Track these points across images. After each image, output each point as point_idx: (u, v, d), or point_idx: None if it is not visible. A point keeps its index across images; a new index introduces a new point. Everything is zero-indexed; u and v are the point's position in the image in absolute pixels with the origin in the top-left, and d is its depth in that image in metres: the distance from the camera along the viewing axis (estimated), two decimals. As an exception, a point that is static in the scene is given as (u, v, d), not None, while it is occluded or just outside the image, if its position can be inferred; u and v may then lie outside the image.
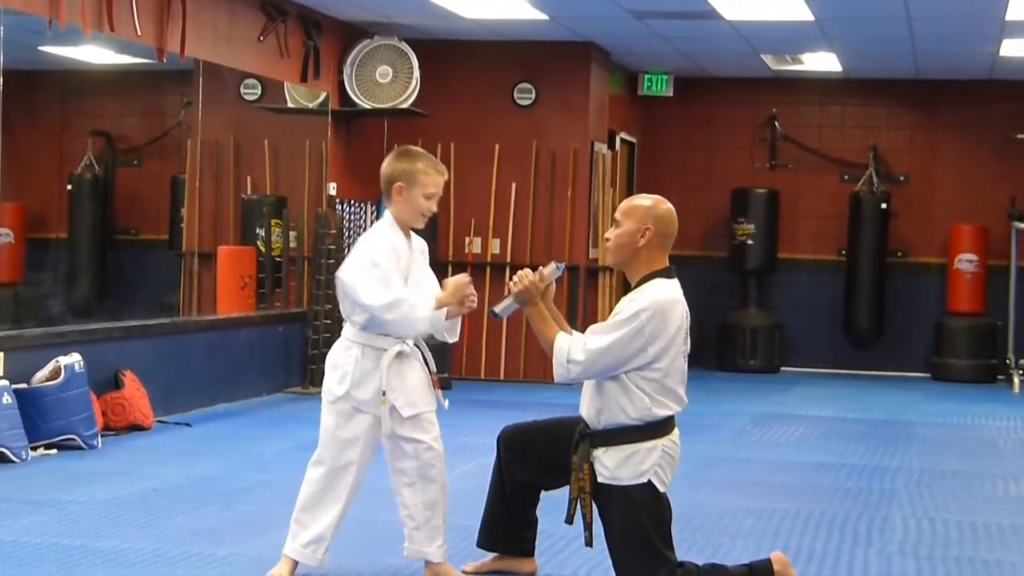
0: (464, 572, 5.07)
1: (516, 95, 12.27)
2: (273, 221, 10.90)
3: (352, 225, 11.13)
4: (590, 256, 12.25)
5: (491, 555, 5.12)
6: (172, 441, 8.23)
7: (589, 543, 4.62)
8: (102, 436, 7.93)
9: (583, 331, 4.68)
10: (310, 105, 11.30)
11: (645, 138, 14.44)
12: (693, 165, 14.46)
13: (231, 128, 10.97)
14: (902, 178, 14.03)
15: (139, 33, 8.50)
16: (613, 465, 4.51)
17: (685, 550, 5.15)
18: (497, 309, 4.75)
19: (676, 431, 4.60)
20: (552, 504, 5.03)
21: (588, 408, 4.61)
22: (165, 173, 11.20)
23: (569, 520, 4.61)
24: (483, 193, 12.21)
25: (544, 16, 10.87)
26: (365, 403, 4.84)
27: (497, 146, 12.21)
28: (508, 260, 12.10)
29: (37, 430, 7.49)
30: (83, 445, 7.66)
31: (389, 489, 5.00)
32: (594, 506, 4.57)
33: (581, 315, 11.80)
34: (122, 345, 8.69)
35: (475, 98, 12.27)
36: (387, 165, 4.93)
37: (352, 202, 11.19)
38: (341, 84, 11.46)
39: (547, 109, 12.22)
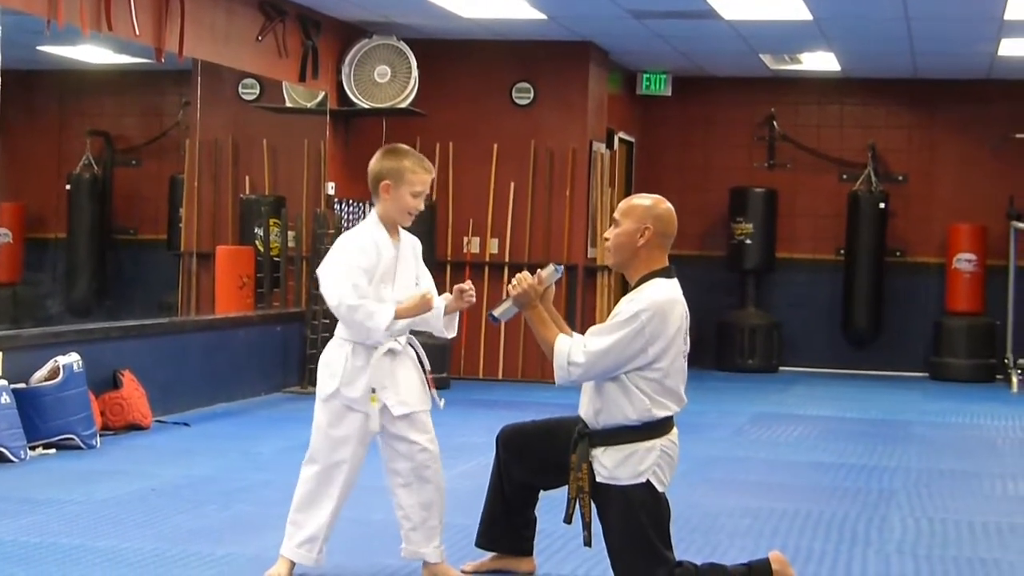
0: (463, 571, 5.07)
1: (514, 94, 12.27)
2: (272, 221, 10.90)
3: (350, 225, 11.12)
4: (588, 256, 12.25)
5: (490, 554, 5.12)
6: (170, 441, 8.23)
7: (588, 543, 4.62)
8: (101, 436, 7.93)
9: (582, 331, 4.68)
10: (308, 105, 11.31)
11: (643, 137, 14.44)
12: (691, 164, 14.46)
13: (229, 128, 10.97)
14: (901, 178, 14.03)
15: (137, 33, 8.51)
16: (612, 465, 4.51)
17: (683, 549, 5.15)
18: (496, 313, 4.75)
19: (675, 431, 4.60)
20: (551, 504, 5.03)
21: (587, 408, 4.61)
22: (164, 173, 11.20)
23: (568, 520, 4.61)
24: (481, 193, 12.21)
25: (542, 15, 10.87)
26: (355, 401, 4.83)
27: (495, 146, 12.21)
28: (506, 260, 12.10)
29: (36, 430, 7.49)
30: (82, 445, 7.66)
31: (385, 489, 5.00)
32: (593, 506, 4.57)
33: (580, 315, 11.81)
34: (120, 345, 8.69)
35: (473, 98, 12.27)
36: (374, 163, 4.93)
37: (350, 202, 11.19)
38: (339, 84, 11.46)
39: (545, 108, 12.21)
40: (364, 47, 11.46)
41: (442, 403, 5.00)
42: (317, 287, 10.39)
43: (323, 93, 11.28)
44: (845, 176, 14.08)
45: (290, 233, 10.88)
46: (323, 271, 4.86)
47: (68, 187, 11.21)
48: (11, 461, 7.17)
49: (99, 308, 11.00)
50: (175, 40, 8.92)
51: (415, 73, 11.41)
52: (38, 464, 7.26)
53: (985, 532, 6.27)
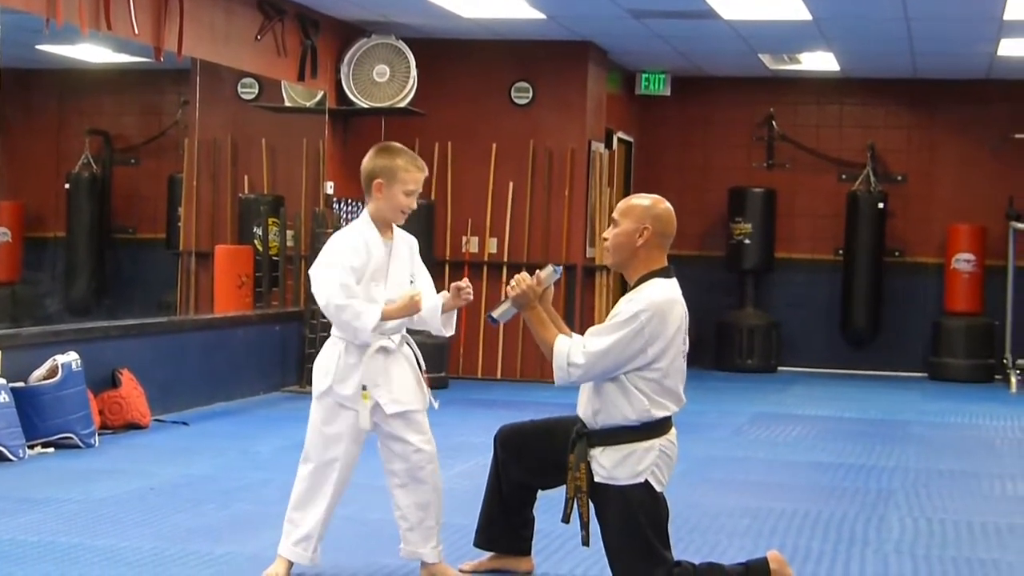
0: (461, 571, 5.07)
1: (513, 94, 12.27)
2: (270, 220, 10.90)
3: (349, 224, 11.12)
4: (587, 255, 12.25)
5: (488, 554, 5.12)
6: (169, 440, 8.23)
7: (586, 542, 4.62)
8: (99, 435, 7.93)
9: (581, 331, 4.68)
10: (307, 104, 11.30)
11: (642, 137, 14.44)
12: (690, 164, 14.46)
13: (228, 127, 10.96)
14: (900, 178, 14.03)
15: (136, 32, 8.50)
16: (610, 465, 4.51)
17: (682, 549, 5.15)
18: (495, 314, 4.74)
19: (673, 431, 4.60)
20: (549, 503, 5.03)
21: (585, 408, 4.61)
22: (163, 172, 11.20)
23: (566, 519, 4.61)
24: (480, 192, 12.21)
25: (542, 15, 10.87)
26: (347, 398, 4.84)
27: (494, 145, 12.21)
28: (505, 259, 12.10)
29: (34, 429, 7.49)
30: (80, 444, 7.66)
31: (384, 487, 5.00)
32: (591, 505, 4.57)
33: (579, 315, 11.80)
34: (119, 344, 8.69)
35: (472, 97, 12.27)
36: (367, 161, 4.93)
37: (349, 201, 11.19)
38: (338, 83, 11.46)
39: (544, 108, 12.21)
40: (363, 46, 11.46)
41: (437, 404, 5.00)
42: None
43: (322, 92, 11.28)
44: (844, 176, 14.08)
45: (289, 232, 10.88)
46: (313, 271, 4.88)
47: (67, 186, 11.20)
48: (9, 460, 7.16)
49: (98, 307, 11.00)
50: (174, 39, 8.92)
51: (414, 72, 11.41)
52: (36, 463, 7.26)
53: (984, 532, 6.27)
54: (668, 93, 13.70)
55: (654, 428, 4.52)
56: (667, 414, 4.55)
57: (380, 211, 4.90)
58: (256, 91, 10.89)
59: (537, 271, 4.70)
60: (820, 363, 14.11)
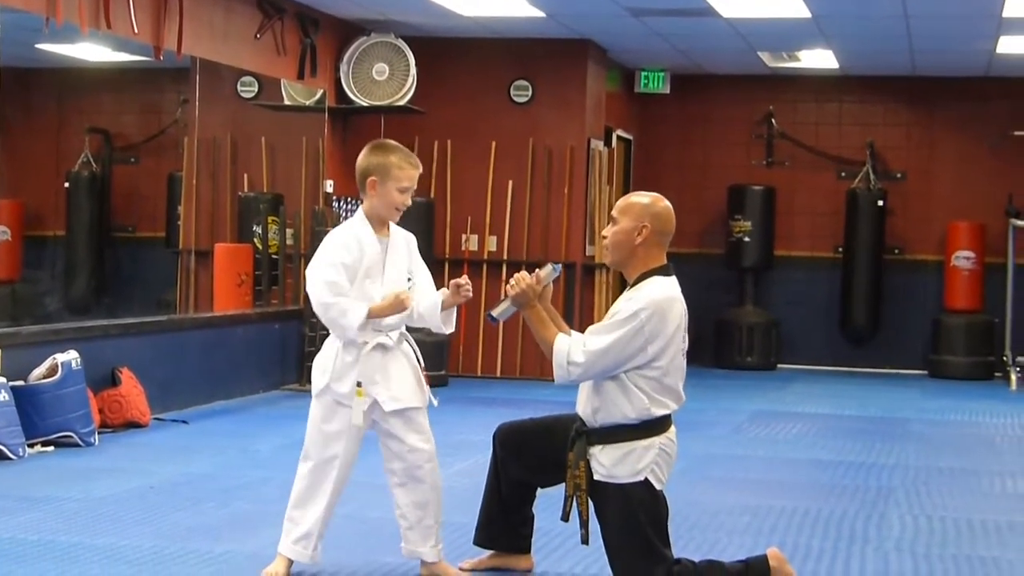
0: (461, 569, 5.08)
1: (513, 92, 12.27)
2: (270, 218, 10.90)
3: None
4: (587, 253, 12.24)
5: (487, 552, 5.12)
6: (169, 438, 8.23)
7: (585, 540, 4.62)
8: (99, 433, 7.93)
9: (581, 329, 4.68)
10: (307, 102, 11.30)
11: (642, 135, 14.44)
12: (690, 162, 14.46)
13: (228, 125, 10.96)
14: (899, 175, 14.04)
15: (136, 31, 8.50)
16: (609, 463, 4.51)
17: (682, 547, 5.16)
18: (495, 313, 4.75)
19: (672, 429, 4.60)
20: (548, 501, 5.04)
21: (585, 406, 4.61)
22: (162, 170, 11.20)
23: (565, 518, 4.61)
24: (480, 190, 12.21)
25: (541, 13, 10.87)
26: (344, 396, 4.84)
27: (494, 143, 12.21)
28: (505, 257, 12.10)
29: (34, 427, 7.49)
30: (80, 442, 7.66)
31: (385, 485, 5.01)
32: (590, 503, 4.57)
33: (578, 313, 11.80)
34: (119, 342, 8.69)
35: (472, 95, 12.26)
36: (361, 159, 4.94)
37: (349, 199, 11.19)
38: (338, 81, 11.46)
39: (544, 106, 12.21)
40: (362, 45, 11.45)
41: (436, 402, 5.00)
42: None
43: (321, 91, 11.28)
44: (843, 174, 14.08)
45: (288, 231, 10.88)
46: (309, 270, 4.91)
47: (67, 185, 11.20)
48: (9, 459, 7.16)
49: (98, 306, 11.01)
50: (174, 38, 8.92)
51: (413, 71, 11.41)
52: (36, 462, 7.26)
53: (984, 530, 6.27)
54: (667, 91, 13.70)
55: (654, 426, 4.52)
56: (667, 412, 4.55)
57: (374, 208, 4.91)
58: (256, 90, 10.89)
59: (536, 270, 4.70)
60: (820, 361, 14.11)
